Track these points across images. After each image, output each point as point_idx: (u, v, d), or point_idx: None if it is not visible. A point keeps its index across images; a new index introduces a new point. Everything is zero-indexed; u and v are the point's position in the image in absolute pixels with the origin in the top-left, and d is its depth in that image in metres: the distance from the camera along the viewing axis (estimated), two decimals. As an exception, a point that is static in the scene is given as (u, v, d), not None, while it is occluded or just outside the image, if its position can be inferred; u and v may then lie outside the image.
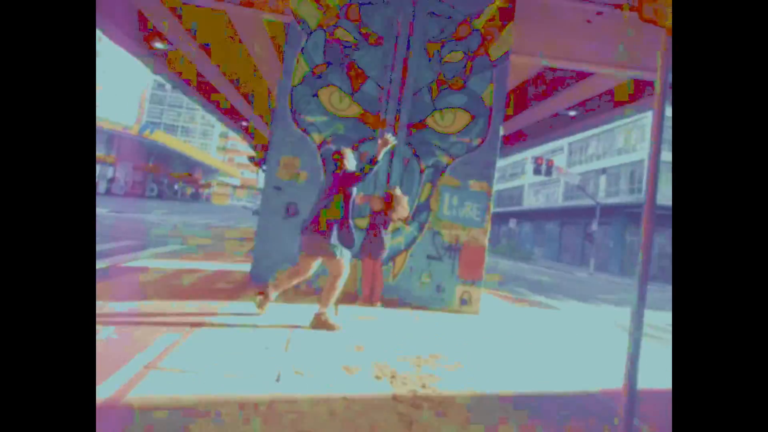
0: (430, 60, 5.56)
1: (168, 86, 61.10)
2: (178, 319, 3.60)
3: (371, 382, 2.81)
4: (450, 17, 5.58)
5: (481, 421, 2.48)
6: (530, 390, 3.08)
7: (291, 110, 5.41)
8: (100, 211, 19.55)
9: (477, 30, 5.60)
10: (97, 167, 42.95)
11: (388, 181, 5.45)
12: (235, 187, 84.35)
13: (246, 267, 6.30)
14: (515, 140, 15.09)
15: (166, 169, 53.28)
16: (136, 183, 48.64)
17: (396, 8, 5.54)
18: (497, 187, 47.27)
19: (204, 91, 15.68)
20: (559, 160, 33.42)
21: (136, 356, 2.70)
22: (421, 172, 5.53)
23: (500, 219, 44.73)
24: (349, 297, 5.27)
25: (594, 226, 24.82)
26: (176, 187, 60.74)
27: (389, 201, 4.86)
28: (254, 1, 7.18)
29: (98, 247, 7.69)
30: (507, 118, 12.78)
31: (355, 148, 5.47)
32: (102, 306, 3.66)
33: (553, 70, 9.20)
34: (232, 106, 17.43)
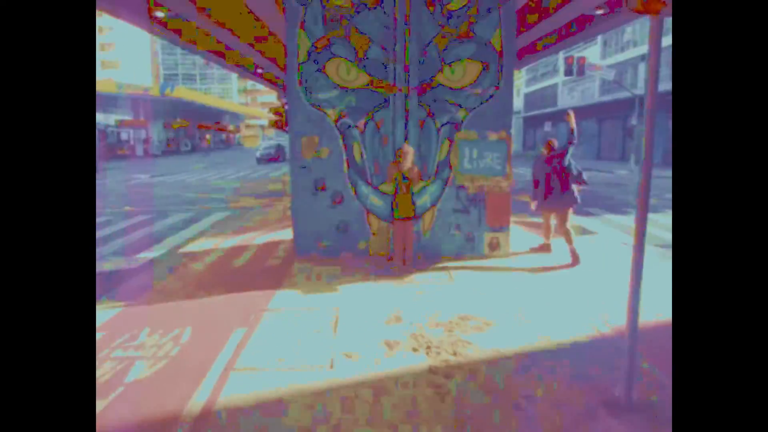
0: (432, 12, 5.38)
1: (177, 36, 59.78)
2: (243, 309, 4.19)
3: (409, 355, 3.30)
4: (447, -40, 5.27)
5: (503, 383, 2.93)
6: (550, 340, 3.48)
7: (302, 89, 5.52)
8: (141, 177, 20.69)
9: (477, -31, 5.28)
10: (131, 131, 44.29)
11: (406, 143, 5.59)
12: (262, 126, 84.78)
13: (285, 233, 6.85)
14: (533, 50, 14.23)
15: (195, 122, 54.10)
16: (170, 140, 50.11)
17: (389, -38, 5.29)
18: (529, 89, 45.04)
19: (211, 50, 15.53)
20: (593, 52, 31.00)
21: (217, 358, 3.30)
22: (438, 130, 5.61)
23: (535, 122, 43.03)
24: (384, 258, 5.74)
25: (634, 120, 23.62)
26: (207, 136, 61.97)
27: (397, 157, 5.15)
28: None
29: (155, 226, 8.47)
30: (527, 27, 12.01)
31: (370, 118, 5.59)
32: (177, 305, 4.31)
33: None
34: (240, 61, 17.20)
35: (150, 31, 13.22)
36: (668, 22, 3.41)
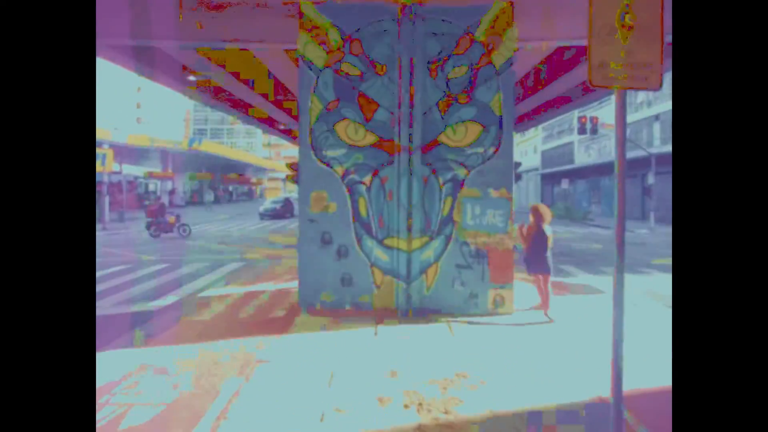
0: (435, 79, 5.76)
1: (209, 94, 63.94)
2: (242, 359, 4.25)
3: (400, 412, 3.28)
4: (449, 33, 5.71)
5: (494, 445, 2.88)
6: (546, 403, 3.41)
7: (312, 147, 5.86)
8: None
9: (477, 41, 5.70)
10: (158, 182, 46.29)
11: (409, 201, 5.79)
12: (284, 180, 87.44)
13: (293, 285, 6.96)
14: (537, 113, 14.86)
15: (219, 174, 56.26)
16: (194, 191, 52.03)
17: (395, 35, 5.76)
18: (546, 146, 45.70)
19: (239, 106, 16.58)
20: (607, 112, 31.65)
21: (210, 407, 3.34)
22: (441, 187, 5.82)
23: (552, 179, 43.31)
24: (387, 313, 5.77)
25: (650, 179, 23.61)
26: (230, 188, 64.12)
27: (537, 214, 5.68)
28: (266, 38, 7.64)
29: (171, 275, 8.72)
30: (529, 94, 12.59)
31: (375, 174, 5.86)
32: (181, 352, 4.40)
33: (566, 48, 8.97)
34: (267, 116, 18.24)
35: (182, 92, 14.28)
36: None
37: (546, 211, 5.74)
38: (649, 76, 2.33)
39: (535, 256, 5.71)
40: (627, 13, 2.24)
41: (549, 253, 5.69)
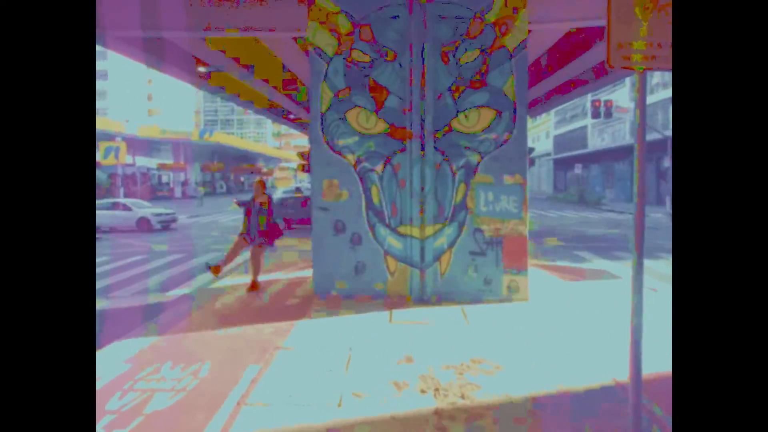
0: (446, 64, 5.69)
1: (218, 85, 64.23)
2: (260, 346, 4.32)
3: (416, 397, 3.31)
4: (460, 17, 5.62)
5: (509, 429, 2.90)
6: (564, 388, 3.42)
7: (324, 136, 5.86)
8: (180, 217, 21.62)
9: (490, 24, 5.61)
10: (170, 174, 46.78)
11: (422, 188, 5.77)
12: (295, 169, 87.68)
13: (307, 273, 7.03)
14: (550, 96, 14.59)
15: (230, 164, 56.66)
16: (206, 183, 52.52)
17: (406, 20, 5.69)
18: (558, 131, 45.07)
19: (249, 97, 16.60)
20: (621, 95, 31.03)
21: (231, 393, 3.42)
22: (454, 174, 5.79)
23: (565, 164, 42.76)
24: (402, 300, 5.80)
25: (666, 162, 23.20)
26: (242, 179, 64.55)
27: None
28: (276, 27, 7.61)
29: (186, 265, 8.86)
30: (541, 79, 12.37)
31: (388, 162, 5.85)
32: (200, 340, 4.49)
33: (580, 30, 8.77)
34: (276, 104, 18.23)
35: (193, 83, 14.32)
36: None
37: None
38: (670, 56, 2.27)
39: None
40: (647, -10, 2.18)
41: None
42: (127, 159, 29.32)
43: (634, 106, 2.39)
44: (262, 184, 6.73)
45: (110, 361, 4.05)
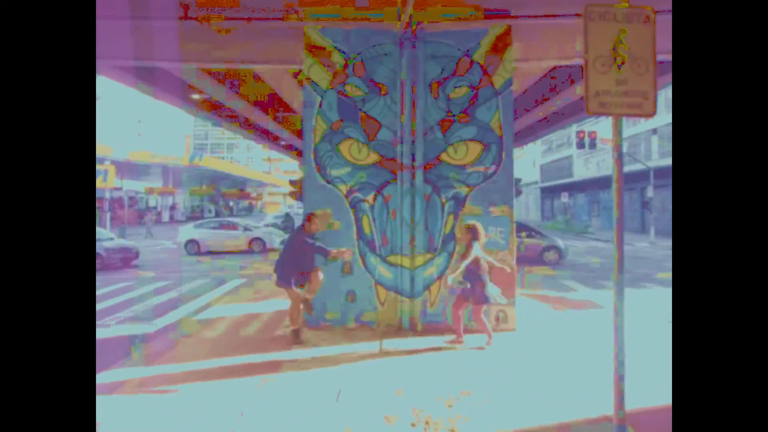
0: (436, 99, 5.91)
1: (210, 110, 64.73)
2: (248, 377, 4.28)
3: (408, 431, 3.31)
4: (449, 56, 5.87)
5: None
6: (553, 422, 3.45)
7: (317, 167, 5.97)
8: (166, 243, 21.37)
9: (477, 63, 5.86)
10: (159, 198, 46.45)
11: (412, 218, 5.88)
12: (284, 194, 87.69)
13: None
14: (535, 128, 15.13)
15: (219, 189, 56.50)
16: (194, 207, 52.21)
17: (397, 57, 5.92)
18: (545, 159, 45.99)
19: (241, 123, 16.80)
20: (605, 126, 31.96)
21: (219, 424, 3.38)
22: (443, 205, 5.91)
23: (552, 193, 43.50)
24: (392, 330, 5.81)
25: (649, 192, 23.76)
26: (230, 203, 64.28)
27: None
28: (270, 60, 7.83)
29: (171, 293, 8.75)
30: (527, 111, 12.81)
31: (379, 192, 5.96)
32: (188, 369, 4.43)
33: (561, 67, 9.19)
34: (266, 131, 18.45)
35: (184, 109, 14.48)
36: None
37: (481, 230, 5.20)
38: (643, 104, 2.44)
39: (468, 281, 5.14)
40: (620, 45, 2.36)
41: (485, 278, 5.12)
42: (116, 182, 29.13)
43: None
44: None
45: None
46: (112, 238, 15.54)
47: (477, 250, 5.09)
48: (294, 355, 4.96)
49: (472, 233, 5.16)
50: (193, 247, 16.86)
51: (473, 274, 5.10)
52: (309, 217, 5.52)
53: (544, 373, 4.43)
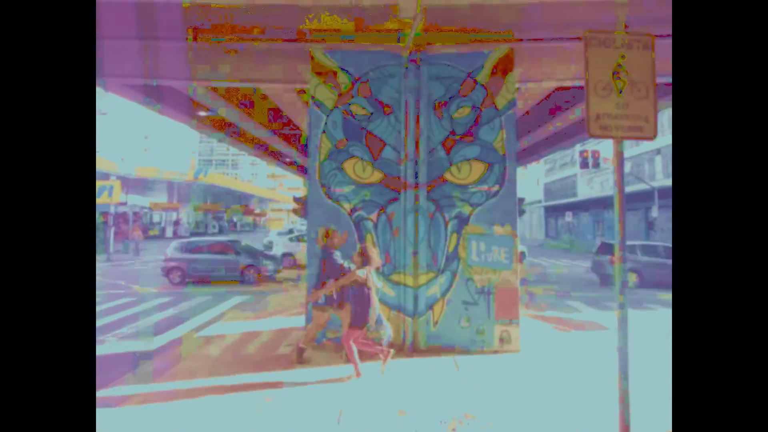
0: (440, 119, 5.98)
1: (216, 127, 65.66)
2: (250, 395, 4.24)
3: (409, 454, 3.26)
4: (453, 77, 5.97)
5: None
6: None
7: (321, 185, 6.02)
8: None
9: (480, 84, 5.95)
10: (163, 213, 46.69)
11: (416, 237, 5.89)
12: (288, 211, 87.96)
13: (299, 320, 6.97)
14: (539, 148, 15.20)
15: (223, 205, 56.79)
16: (198, 222, 52.38)
17: (401, 78, 6.02)
18: (548, 179, 46.07)
19: (247, 140, 16.98)
20: (608, 146, 32.10)
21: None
22: (446, 224, 5.93)
23: (556, 212, 43.45)
24: (394, 349, 5.75)
25: (654, 212, 23.70)
26: (234, 219, 64.53)
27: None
28: (277, 79, 7.96)
29: (175, 309, 8.73)
30: (530, 130, 12.91)
31: (382, 211, 5.99)
32: (191, 386, 4.40)
33: (566, 88, 9.31)
34: (273, 149, 18.62)
35: (191, 125, 14.68)
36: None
37: (374, 255, 4.95)
38: (644, 127, 2.48)
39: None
40: (620, 70, 2.41)
41: (367, 303, 4.81)
42: (121, 198, 29.34)
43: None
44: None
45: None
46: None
47: (362, 272, 4.82)
48: (296, 375, 4.92)
49: (363, 258, 4.90)
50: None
51: (356, 296, 4.85)
52: (327, 233, 5.39)
53: (548, 396, 4.36)
